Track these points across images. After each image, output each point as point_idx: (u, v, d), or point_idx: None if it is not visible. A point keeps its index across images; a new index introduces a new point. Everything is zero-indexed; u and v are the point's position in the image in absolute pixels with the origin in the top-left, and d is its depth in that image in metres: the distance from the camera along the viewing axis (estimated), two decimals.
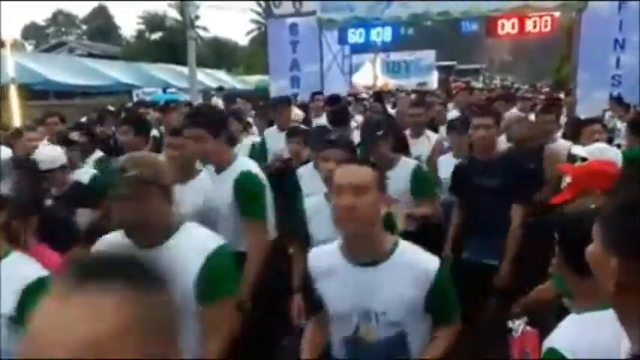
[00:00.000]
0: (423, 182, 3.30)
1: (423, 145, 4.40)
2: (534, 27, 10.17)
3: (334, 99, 6.82)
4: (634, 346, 0.94)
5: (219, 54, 36.96)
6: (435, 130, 5.27)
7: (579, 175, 2.50)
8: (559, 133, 5.16)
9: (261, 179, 2.85)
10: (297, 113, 5.96)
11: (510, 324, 2.62)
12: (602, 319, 1.13)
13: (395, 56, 26.86)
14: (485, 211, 3.31)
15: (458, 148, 4.09)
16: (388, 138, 3.28)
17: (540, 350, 2.51)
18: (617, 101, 8.43)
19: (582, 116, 7.77)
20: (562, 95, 11.10)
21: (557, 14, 10.42)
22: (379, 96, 9.05)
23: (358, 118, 6.56)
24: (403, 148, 3.82)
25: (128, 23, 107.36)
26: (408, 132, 4.52)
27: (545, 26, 10.18)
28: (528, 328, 2.62)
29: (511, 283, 3.19)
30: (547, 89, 18.54)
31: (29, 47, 44.23)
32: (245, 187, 2.74)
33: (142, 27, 36.82)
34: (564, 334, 1.45)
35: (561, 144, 4.37)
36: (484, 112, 3.76)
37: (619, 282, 0.92)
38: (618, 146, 4.42)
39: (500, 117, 4.54)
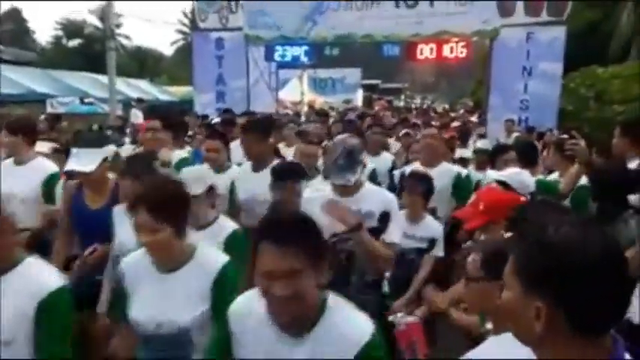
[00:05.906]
0: None
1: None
2: (451, 52, 10.71)
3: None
4: None
5: (143, 63, 35.92)
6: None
7: (492, 206, 2.57)
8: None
9: None
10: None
11: (392, 318, 2.70)
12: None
13: (322, 73, 27.19)
14: None
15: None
16: None
17: (425, 338, 2.62)
18: (511, 122, 9.68)
19: (493, 137, 8.37)
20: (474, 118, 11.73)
21: (474, 39, 11.03)
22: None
23: None
24: None
25: (44, 28, 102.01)
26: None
27: (461, 52, 10.74)
28: (410, 318, 2.71)
29: None
30: (462, 111, 19.49)
31: None
32: None
33: (60, 33, 35.15)
34: (478, 355, 1.51)
35: None
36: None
37: (547, 326, 0.90)
38: None
39: None
